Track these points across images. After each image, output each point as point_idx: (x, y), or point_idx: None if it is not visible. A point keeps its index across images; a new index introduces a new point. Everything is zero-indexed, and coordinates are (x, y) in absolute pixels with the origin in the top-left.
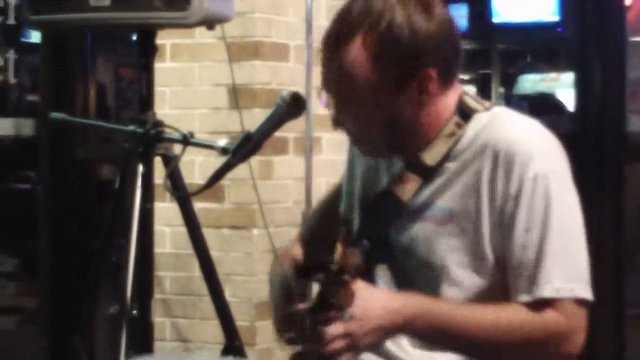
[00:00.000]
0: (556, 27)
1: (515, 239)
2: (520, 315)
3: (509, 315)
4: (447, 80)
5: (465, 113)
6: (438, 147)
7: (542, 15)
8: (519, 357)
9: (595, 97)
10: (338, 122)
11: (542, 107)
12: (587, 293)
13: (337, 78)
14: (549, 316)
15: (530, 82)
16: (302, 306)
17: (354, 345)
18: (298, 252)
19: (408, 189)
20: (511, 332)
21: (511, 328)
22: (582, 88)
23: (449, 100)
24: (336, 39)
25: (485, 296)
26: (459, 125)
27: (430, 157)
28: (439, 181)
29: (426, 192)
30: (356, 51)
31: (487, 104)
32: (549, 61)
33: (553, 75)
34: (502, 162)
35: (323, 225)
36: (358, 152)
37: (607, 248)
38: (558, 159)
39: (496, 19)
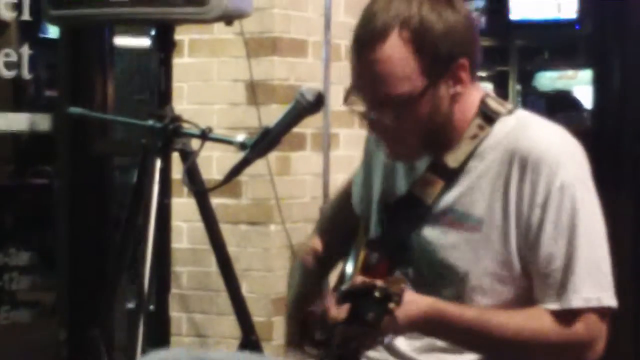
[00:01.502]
0: (574, 25)
1: (542, 248)
2: (545, 323)
3: (534, 322)
4: (473, 75)
5: (487, 115)
6: (462, 149)
7: (559, 12)
8: None
9: (613, 94)
10: (373, 124)
11: (559, 104)
12: (613, 301)
13: (375, 77)
14: (574, 326)
15: (548, 80)
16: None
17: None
18: (316, 245)
19: (431, 192)
20: (534, 339)
21: (534, 335)
22: (600, 85)
23: (472, 100)
24: (370, 39)
25: (510, 303)
26: (481, 128)
27: (454, 159)
28: (463, 184)
29: (450, 196)
30: (393, 47)
31: (509, 106)
32: (567, 58)
33: (570, 72)
34: (529, 170)
35: (338, 221)
36: (376, 153)
37: (626, 244)
38: (583, 167)
39: (513, 16)
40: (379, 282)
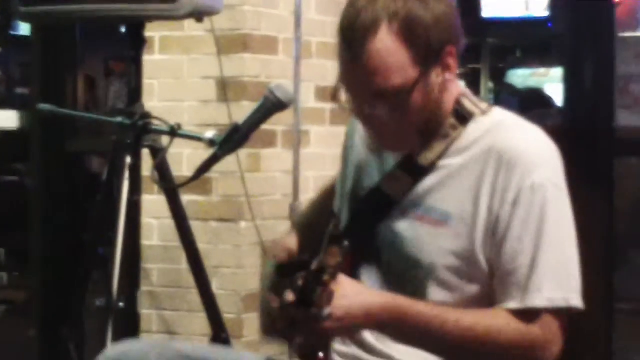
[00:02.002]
0: (546, 23)
1: (507, 245)
2: (500, 321)
3: (490, 322)
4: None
5: (461, 115)
6: (433, 147)
7: (531, 10)
8: None
9: (585, 92)
10: (368, 119)
11: (531, 102)
12: (579, 302)
13: (367, 71)
14: (531, 326)
15: (520, 77)
16: (283, 300)
17: (326, 338)
18: (292, 243)
19: (399, 188)
20: (487, 337)
21: (488, 333)
22: (572, 83)
23: (451, 95)
24: (360, 33)
25: (475, 301)
26: (454, 127)
27: (425, 157)
28: (432, 180)
29: (419, 191)
30: (384, 40)
31: (483, 106)
32: (539, 56)
33: (542, 70)
34: (504, 168)
35: (315, 220)
36: (351, 149)
37: (598, 242)
38: (557, 169)
39: (485, 14)
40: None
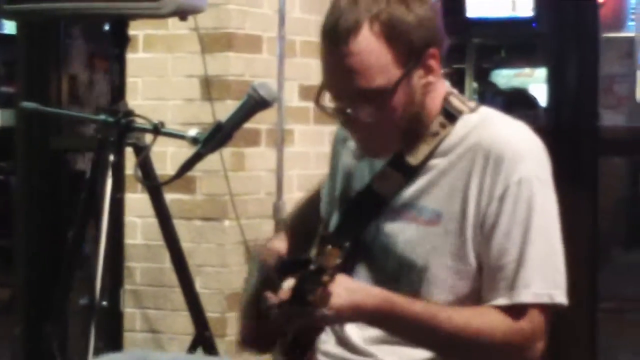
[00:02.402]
0: (530, 23)
1: (495, 241)
2: (491, 319)
3: (481, 320)
4: (441, 66)
5: (450, 114)
6: (422, 146)
7: (516, 10)
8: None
9: (569, 92)
10: (349, 121)
11: (516, 102)
12: (564, 299)
13: (349, 71)
14: (520, 322)
15: (505, 77)
16: (276, 299)
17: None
18: (280, 246)
19: (390, 187)
20: (478, 335)
21: (479, 331)
22: (556, 83)
23: (438, 95)
24: (342, 34)
25: (467, 299)
26: (443, 126)
27: (414, 157)
28: (423, 180)
29: (410, 191)
30: (366, 40)
31: (472, 104)
32: (524, 56)
33: (527, 70)
34: (491, 164)
35: (302, 223)
36: (340, 152)
37: (582, 241)
38: (543, 165)
39: (470, 14)
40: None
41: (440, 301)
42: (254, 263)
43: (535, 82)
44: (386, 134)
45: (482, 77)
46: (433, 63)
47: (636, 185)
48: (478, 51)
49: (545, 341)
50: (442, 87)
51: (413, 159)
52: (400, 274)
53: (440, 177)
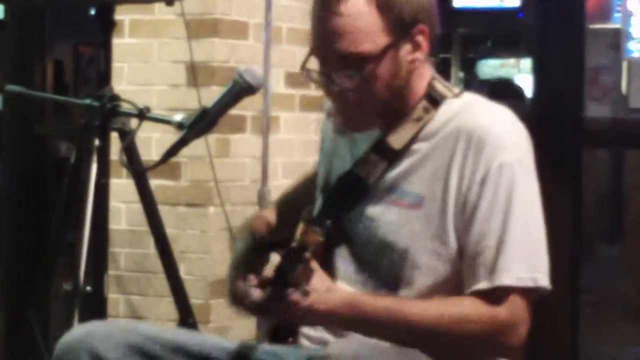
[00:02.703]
0: (517, 13)
1: (476, 225)
2: (466, 307)
3: (455, 310)
4: (431, 47)
5: (434, 99)
6: (406, 130)
7: (502, 1)
8: (464, 351)
9: (554, 83)
10: (333, 86)
11: (501, 92)
12: (546, 282)
13: (338, 33)
14: (497, 308)
15: (490, 67)
16: (259, 278)
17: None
18: (271, 217)
19: (373, 171)
20: (454, 324)
21: (455, 320)
22: (542, 74)
23: (423, 80)
24: None
25: (449, 283)
26: (426, 110)
27: (398, 140)
28: (405, 164)
29: (392, 175)
30: (358, 3)
31: (456, 89)
32: (509, 47)
33: (512, 60)
34: (473, 148)
35: (295, 201)
36: (326, 137)
37: (564, 234)
38: (525, 150)
39: (457, 4)
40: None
41: (421, 285)
42: (243, 230)
43: (522, 72)
44: (368, 106)
45: (468, 67)
46: (422, 40)
47: (620, 178)
48: (464, 41)
49: (528, 326)
50: (428, 71)
51: (396, 143)
52: (382, 257)
53: (422, 161)
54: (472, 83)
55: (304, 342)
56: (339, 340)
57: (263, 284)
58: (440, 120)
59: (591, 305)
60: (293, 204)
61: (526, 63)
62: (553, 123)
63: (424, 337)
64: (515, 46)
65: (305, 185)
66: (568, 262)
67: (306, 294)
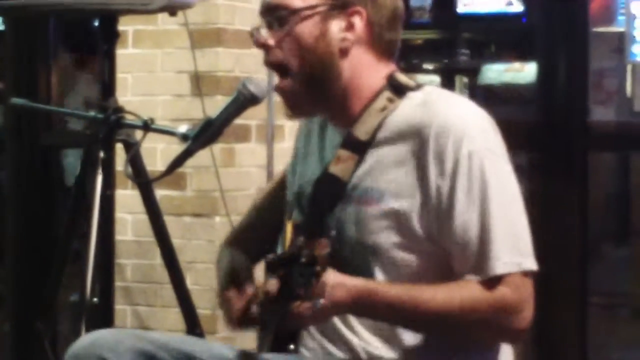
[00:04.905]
0: (520, 18)
1: (456, 218)
2: (473, 292)
3: (463, 295)
4: (379, 48)
5: (397, 89)
6: (370, 121)
7: (506, 5)
8: (473, 335)
9: (558, 87)
10: (260, 41)
11: (506, 96)
12: (533, 265)
13: None
14: (500, 292)
15: (495, 72)
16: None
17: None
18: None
19: (346, 168)
20: (463, 311)
21: (464, 305)
22: (546, 78)
23: (379, 74)
24: None
25: (420, 276)
26: (391, 101)
27: (363, 131)
28: (372, 159)
29: (360, 172)
30: None
31: (417, 82)
32: (513, 51)
33: (517, 65)
34: (434, 140)
35: (266, 213)
36: (300, 143)
37: (572, 236)
38: (492, 136)
39: (460, 9)
40: (302, 243)
41: (395, 281)
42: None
43: (526, 76)
44: (293, 71)
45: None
46: (357, 22)
47: (626, 180)
48: (467, 46)
49: (532, 308)
50: (385, 67)
51: (362, 135)
52: (356, 257)
53: (384, 154)
54: (477, 88)
55: (304, 352)
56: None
57: (270, 300)
58: (402, 113)
59: (599, 306)
60: (264, 216)
61: (530, 67)
62: (558, 127)
63: (434, 323)
64: (519, 51)
65: (274, 193)
66: (576, 265)
67: (322, 307)
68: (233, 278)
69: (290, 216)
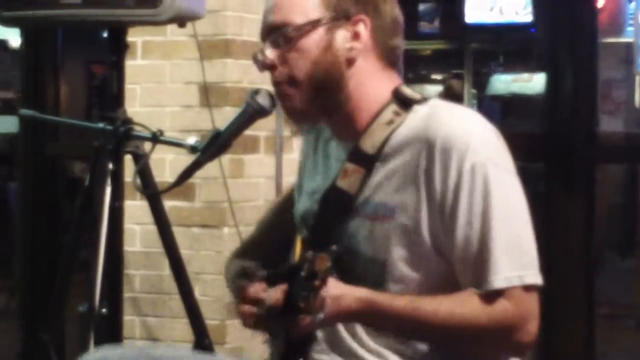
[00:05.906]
0: (529, 28)
1: (458, 232)
2: (474, 306)
3: (463, 307)
4: (383, 55)
5: (403, 102)
6: (377, 134)
7: (514, 16)
8: (475, 348)
9: (566, 97)
10: (263, 61)
11: (514, 107)
12: (536, 279)
13: (276, 6)
14: (501, 306)
15: (503, 83)
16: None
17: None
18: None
19: (354, 181)
20: (464, 323)
21: (464, 319)
22: (554, 88)
23: (384, 85)
24: None
25: (430, 290)
26: (397, 114)
27: (370, 144)
28: (380, 173)
29: (369, 187)
30: None
31: (423, 95)
32: (522, 62)
33: (525, 75)
34: (439, 154)
35: (275, 227)
36: (306, 157)
37: (578, 247)
38: (496, 148)
39: (469, 19)
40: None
41: (412, 294)
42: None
43: (534, 87)
44: (298, 84)
45: (481, 82)
46: (362, 30)
47: (632, 191)
48: (476, 56)
49: (537, 322)
50: (390, 80)
51: (369, 148)
52: (365, 272)
53: (392, 169)
54: (485, 98)
55: None
56: None
57: (274, 313)
58: (409, 127)
59: (605, 317)
60: (273, 229)
61: (539, 78)
62: (566, 137)
63: (436, 335)
64: (527, 61)
65: (282, 207)
66: (582, 275)
67: (322, 321)
68: (246, 272)
69: (299, 232)
